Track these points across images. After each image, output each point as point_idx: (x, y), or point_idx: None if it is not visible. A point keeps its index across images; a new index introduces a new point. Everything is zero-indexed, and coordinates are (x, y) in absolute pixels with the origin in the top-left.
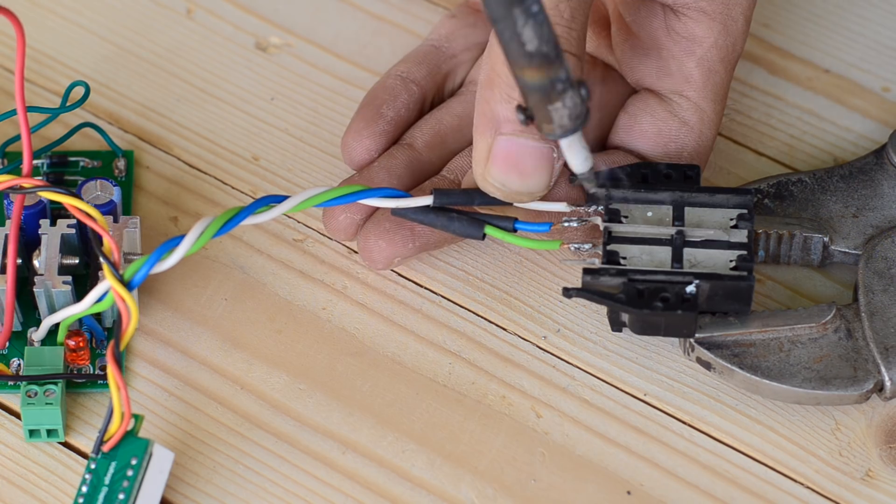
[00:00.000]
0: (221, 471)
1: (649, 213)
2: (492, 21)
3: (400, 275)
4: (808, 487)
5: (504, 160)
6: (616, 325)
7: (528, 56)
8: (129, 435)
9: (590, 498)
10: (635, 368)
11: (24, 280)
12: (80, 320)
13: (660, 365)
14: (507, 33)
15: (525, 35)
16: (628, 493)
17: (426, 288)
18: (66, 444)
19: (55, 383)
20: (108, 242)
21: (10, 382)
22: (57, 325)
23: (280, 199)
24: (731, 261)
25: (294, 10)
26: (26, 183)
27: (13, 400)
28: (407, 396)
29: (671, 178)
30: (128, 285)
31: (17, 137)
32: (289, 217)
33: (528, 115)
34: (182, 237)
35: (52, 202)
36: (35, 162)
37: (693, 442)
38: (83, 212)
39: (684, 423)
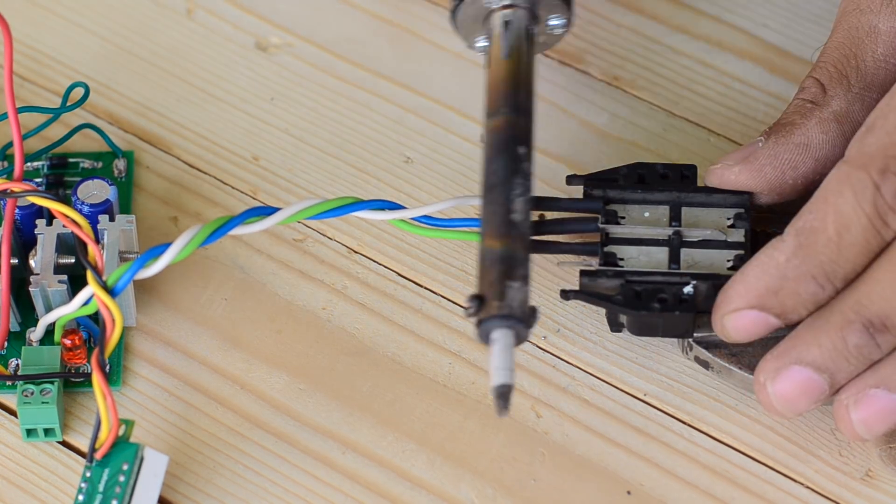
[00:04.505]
0: (221, 471)
1: (646, 214)
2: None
3: (400, 275)
4: (808, 487)
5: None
6: (615, 326)
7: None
8: (120, 441)
9: (590, 498)
10: (635, 368)
11: (23, 280)
12: (77, 320)
13: (660, 365)
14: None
15: (516, 205)
16: (628, 493)
17: (426, 288)
18: (65, 444)
19: (52, 382)
20: (91, 249)
21: (8, 382)
22: (54, 326)
23: (270, 210)
24: (728, 260)
25: (294, 10)
26: (16, 187)
27: (12, 400)
28: (407, 396)
29: (668, 178)
30: (111, 291)
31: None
32: None
33: (479, 302)
34: (168, 245)
35: None
36: (35, 164)
37: (693, 442)
38: (69, 218)
39: (684, 423)
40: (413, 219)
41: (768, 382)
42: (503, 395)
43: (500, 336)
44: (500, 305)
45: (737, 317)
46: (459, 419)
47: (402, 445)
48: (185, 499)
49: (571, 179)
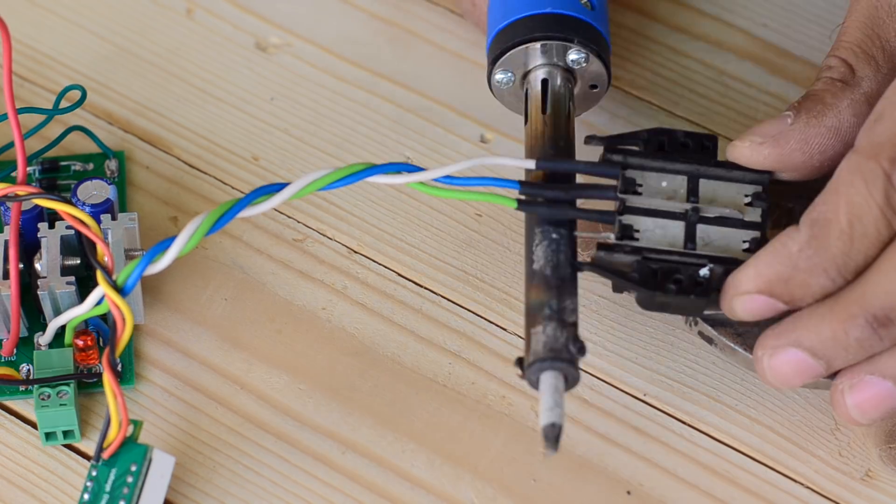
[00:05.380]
0: (221, 471)
1: (664, 183)
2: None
3: (400, 275)
4: (808, 487)
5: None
6: (619, 290)
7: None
8: (129, 441)
9: (590, 498)
10: (635, 368)
11: (27, 286)
12: (86, 320)
13: (660, 365)
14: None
15: (536, 253)
16: (628, 493)
17: (426, 288)
18: (70, 447)
19: (67, 384)
20: (101, 249)
21: (22, 387)
22: (63, 328)
23: (278, 187)
24: (744, 241)
25: (294, 10)
26: (21, 191)
27: (17, 403)
28: (407, 396)
29: (688, 147)
30: (121, 290)
31: (12, 144)
32: (288, 217)
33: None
34: (174, 238)
35: None
36: (27, 169)
37: (693, 442)
38: (77, 219)
39: (684, 423)
40: (434, 180)
41: (765, 357)
42: (549, 435)
43: (544, 380)
44: (524, 357)
45: (746, 300)
46: (459, 419)
47: (402, 445)
48: (185, 499)
49: (590, 140)
